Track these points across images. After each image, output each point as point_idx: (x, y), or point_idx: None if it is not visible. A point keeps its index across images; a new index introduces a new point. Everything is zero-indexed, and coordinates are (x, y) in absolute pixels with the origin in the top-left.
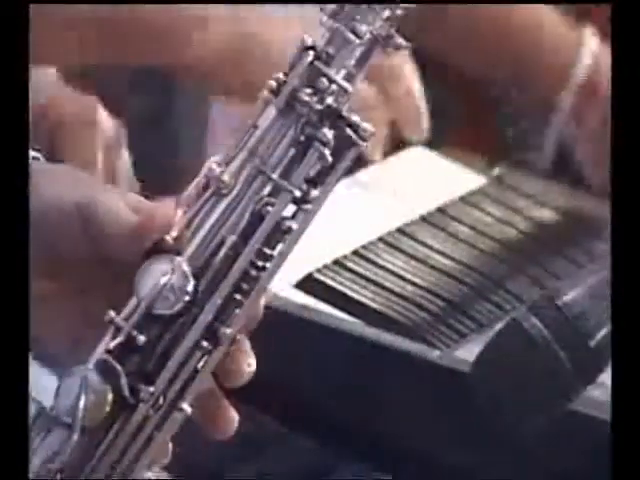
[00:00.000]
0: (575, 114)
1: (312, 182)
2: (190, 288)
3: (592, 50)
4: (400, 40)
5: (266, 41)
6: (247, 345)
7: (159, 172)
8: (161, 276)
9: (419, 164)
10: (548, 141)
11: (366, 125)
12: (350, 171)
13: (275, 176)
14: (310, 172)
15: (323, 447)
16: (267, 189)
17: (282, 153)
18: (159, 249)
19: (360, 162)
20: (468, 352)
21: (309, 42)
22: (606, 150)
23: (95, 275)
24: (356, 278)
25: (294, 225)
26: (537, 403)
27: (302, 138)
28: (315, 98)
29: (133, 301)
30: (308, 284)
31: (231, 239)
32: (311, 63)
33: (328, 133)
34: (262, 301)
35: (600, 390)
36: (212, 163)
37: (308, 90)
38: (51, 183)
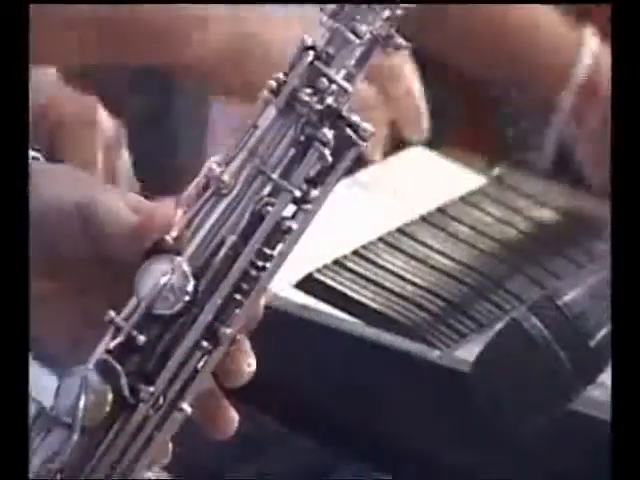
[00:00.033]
0: (575, 114)
1: (312, 182)
2: (190, 288)
3: (592, 50)
4: (400, 40)
5: (266, 41)
6: (247, 345)
7: (159, 172)
8: (161, 276)
9: (419, 164)
10: (548, 141)
11: (366, 125)
12: (350, 171)
13: (275, 176)
14: (310, 172)
15: (323, 447)
16: (267, 189)
17: (282, 153)
18: (159, 249)
19: (360, 162)
20: (468, 352)
21: (309, 42)
22: (606, 150)
23: (95, 275)
24: (356, 278)
25: (294, 225)
26: (537, 403)
27: (302, 138)
28: (315, 98)
29: (133, 301)
30: (308, 284)
31: (231, 239)
32: (311, 63)
33: (328, 133)
34: (262, 301)
35: (600, 390)
36: (212, 163)
37: (308, 90)
38: (51, 183)
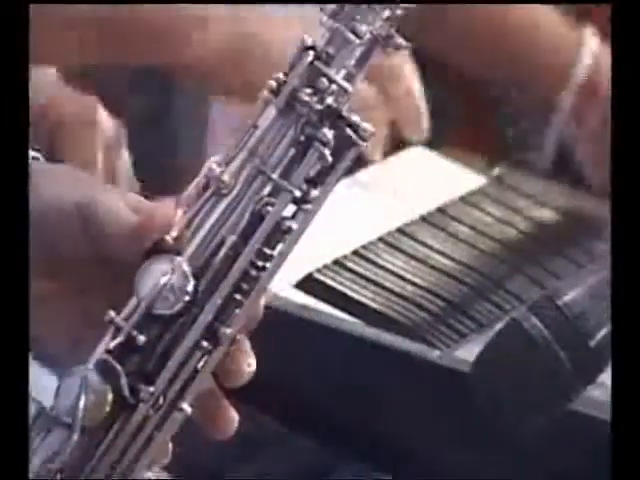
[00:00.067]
0: (575, 114)
1: (312, 182)
2: (190, 288)
3: (592, 50)
4: (400, 40)
5: (266, 41)
6: (247, 345)
7: (159, 172)
8: (161, 276)
9: (419, 164)
10: (548, 141)
11: (366, 125)
12: (350, 171)
13: (275, 176)
14: (310, 172)
15: (323, 447)
16: (267, 189)
17: (282, 153)
18: (159, 249)
19: (360, 162)
20: (468, 352)
21: (309, 42)
22: (606, 150)
23: (95, 275)
24: (356, 278)
25: (294, 225)
26: (537, 403)
27: (302, 138)
28: (315, 98)
29: (133, 301)
30: (308, 284)
31: (231, 239)
32: (311, 63)
33: (328, 133)
34: (262, 301)
35: (600, 390)
36: (212, 163)
37: (308, 90)
38: (51, 183)
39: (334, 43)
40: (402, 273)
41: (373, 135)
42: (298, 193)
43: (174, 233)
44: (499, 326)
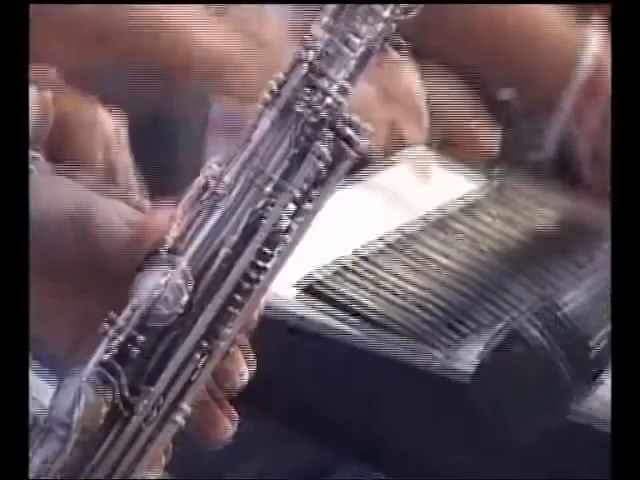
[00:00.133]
0: (576, 114)
1: (312, 183)
2: (190, 289)
3: (593, 49)
4: (395, 53)
5: (266, 41)
6: (240, 356)
7: (159, 172)
8: (161, 276)
9: (419, 164)
10: (548, 141)
11: (366, 125)
12: (351, 171)
13: (275, 177)
14: (310, 173)
15: (323, 448)
16: (267, 190)
17: (282, 154)
18: (155, 259)
19: (360, 162)
20: (469, 354)
21: (303, 55)
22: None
23: (94, 276)
24: (356, 279)
25: (294, 226)
26: (537, 404)
27: (302, 139)
28: (309, 111)
29: (128, 312)
30: (308, 285)
31: (231, 240)
32: (305, 76)
33: (328, 133)
34: (262, 302)
35: (599, 400)
36: (212, 164)
37: (302, 102)
38: (46, 195)
39: (332, 46)
40: (402, 274)
41: (373, 135)
42: (298, 193)
43: (174, 233)
44: (499, 331)
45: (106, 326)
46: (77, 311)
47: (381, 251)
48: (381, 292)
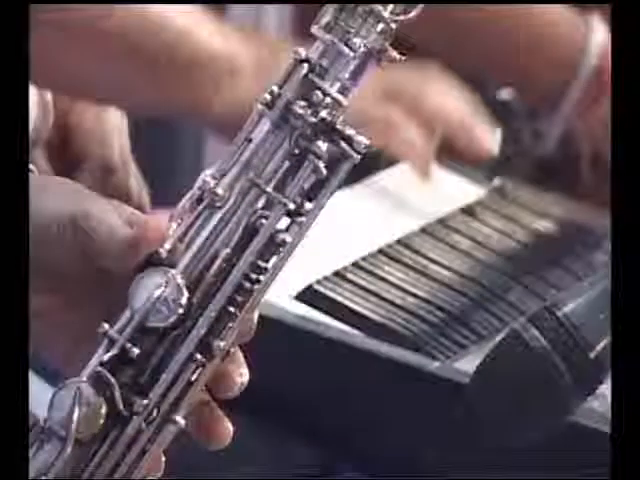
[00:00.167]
0: (578, 114)
1: (306, 195)
2: (184, 301)
3: (595, 49)
4: (394, 53)
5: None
6: (240, 357)
7: (159, 172)
8: (155, 289)
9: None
10: (549, 141)
11: (360, 138)
12: (350, 182)
13: (269, 189)
14: (304, 185)
15: (322, 449)
16: (261, 202)
17: (276, 166)
18: (153, 262)
19: (361, 173)
20: (468, 363)
21: (303, 55)
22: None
23: (93, 288)
24: (356, 289)
25: (288, 238)
26: (537, 414)
27: (296, 151)
28: (309, 111)
29: (127, 313)
30: (308, 295)
31: (225, 252)
32: (305, 76)
33: (322, 146)
34: (256, 314)
35: (599, 401)
36: (206, 176)
37: (302, 103)
38: (45, 196)
39: (328, 56)
40: (402, 284)
41: (368, 148)
42: (292, 206)
43: (168, 246)
44: (499, 337)
45: (106, 326)
46: (77, 311)
47: (381, 262)
48: (381, 303)
